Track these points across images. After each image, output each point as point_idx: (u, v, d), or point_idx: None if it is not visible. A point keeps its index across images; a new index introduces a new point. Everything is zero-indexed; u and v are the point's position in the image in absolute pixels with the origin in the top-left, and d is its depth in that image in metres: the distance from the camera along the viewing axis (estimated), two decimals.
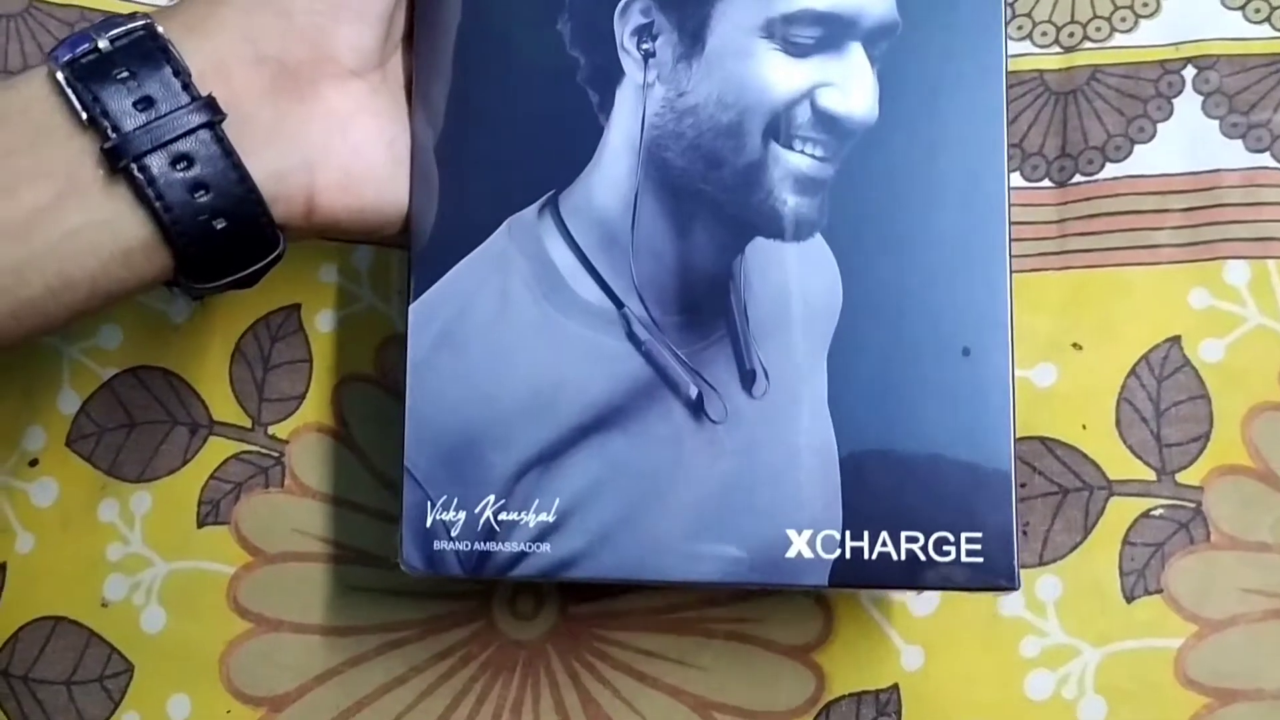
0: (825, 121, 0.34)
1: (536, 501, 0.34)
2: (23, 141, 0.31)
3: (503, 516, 0.34)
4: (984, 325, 0.33)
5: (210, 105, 0.31)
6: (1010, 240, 0.34)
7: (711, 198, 0.34)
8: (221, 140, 0.31)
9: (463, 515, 0.34)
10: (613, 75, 0.35)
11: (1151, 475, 0.40)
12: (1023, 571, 0.40)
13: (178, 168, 0.31)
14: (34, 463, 0.43)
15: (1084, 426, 0.40)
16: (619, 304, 0.34)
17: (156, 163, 0.31)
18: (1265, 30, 0.42)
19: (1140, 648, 0.39)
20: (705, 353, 0.34)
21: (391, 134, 0.35)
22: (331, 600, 0.41)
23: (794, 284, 0.34)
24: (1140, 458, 0.40)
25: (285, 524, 0.42)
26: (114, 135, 0.30)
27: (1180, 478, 0.40)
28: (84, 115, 0.31)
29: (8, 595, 0.42)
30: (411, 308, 0.35)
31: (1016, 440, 0.33)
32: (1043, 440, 0.40)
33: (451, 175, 0.35)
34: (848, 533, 0.33)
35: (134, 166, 0.31)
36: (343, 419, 0.42)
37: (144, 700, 0.42)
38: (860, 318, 0.34)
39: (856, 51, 0.34)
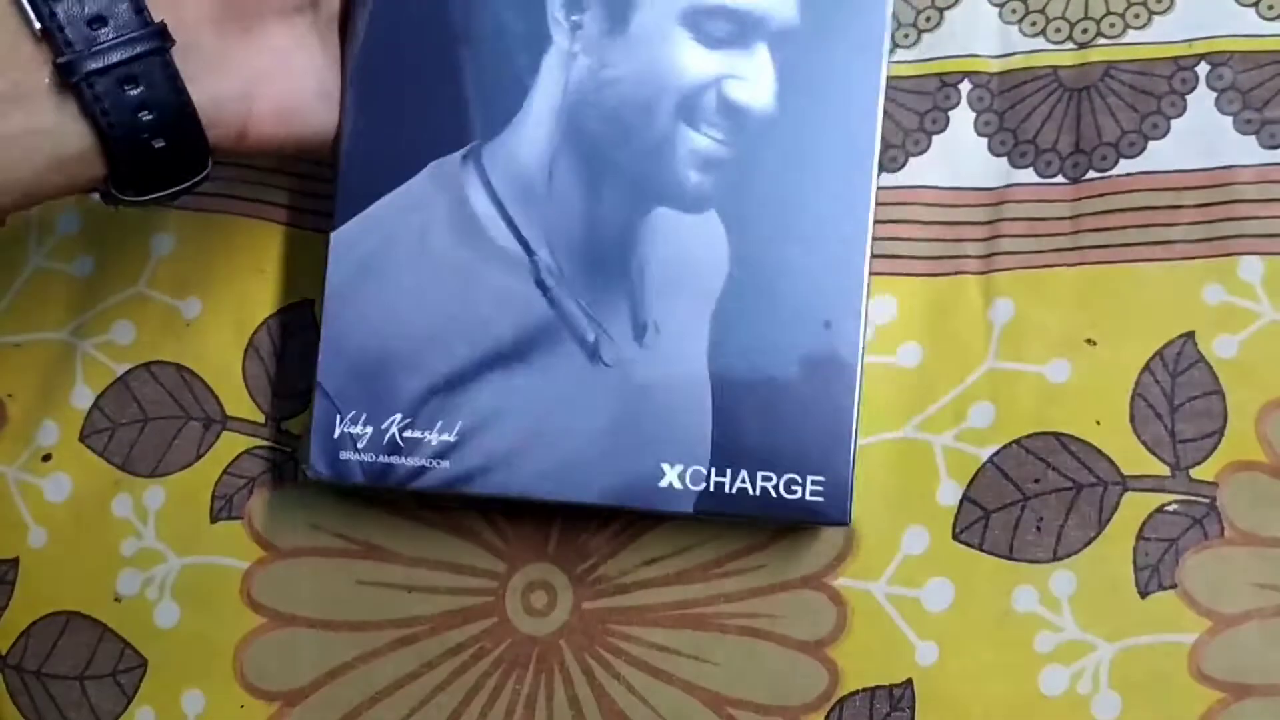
0: (729, 109, 0.37)
1: (440, 422, 0.37)
2: None
3: (407, 434, 0.37)
4: (843, 302, 0.37)
5: (161, 32, 0.32)
6: (872, 229, 0.38)
7: (622, 165, 0.38)
8: (168, 66, 0.32)
9: (369, 430, 0.38)
10: (541, 41, 0.38)
11: (1166, 471, 0.40)
12: (1037, 567, 0.40)
13: (125, 88, 0.32)
14: (47, 458, 0.43)
15: (1098, 422, 0.40)
16: (530, 252, 0.38)
17: (105, 82, 0.32)
18: (1279, 27, 0.42)
19: (1154, 643, 0.39)
20: (604, 302, 0.38)
21: (323, 69, 0.37)
22: (345, 595, 0.41)
23: (687, 251, 0.38)
24: (1154, 453, 0.40)
25: (298, 519, 0.42)
26: (67, 50, 0.31)
27: (1194, 473, 0.40)
28: (38, 25, 0.31)
29: (21, 590, 0.42)
30: (334, 234, 0.38)
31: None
32: (1057, 436, 0.40)
33: (380, 114, 0.38)
34: (713, 469, 0.37)
35: (84, 84, 0.32)
36: None
37: (157, 695, 0.42)
38: (741, 287, 0.37)
39: (761, 50, 0.37)
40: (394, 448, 0.37)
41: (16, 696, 0.42)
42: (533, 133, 0.38)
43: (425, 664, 0.41)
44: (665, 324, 0.37)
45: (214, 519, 0.42)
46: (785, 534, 0.41)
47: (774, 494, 0.37)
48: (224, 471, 0.42)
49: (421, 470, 0.37)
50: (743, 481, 0.37)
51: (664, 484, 0.37)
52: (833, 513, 0.37)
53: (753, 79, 0.37)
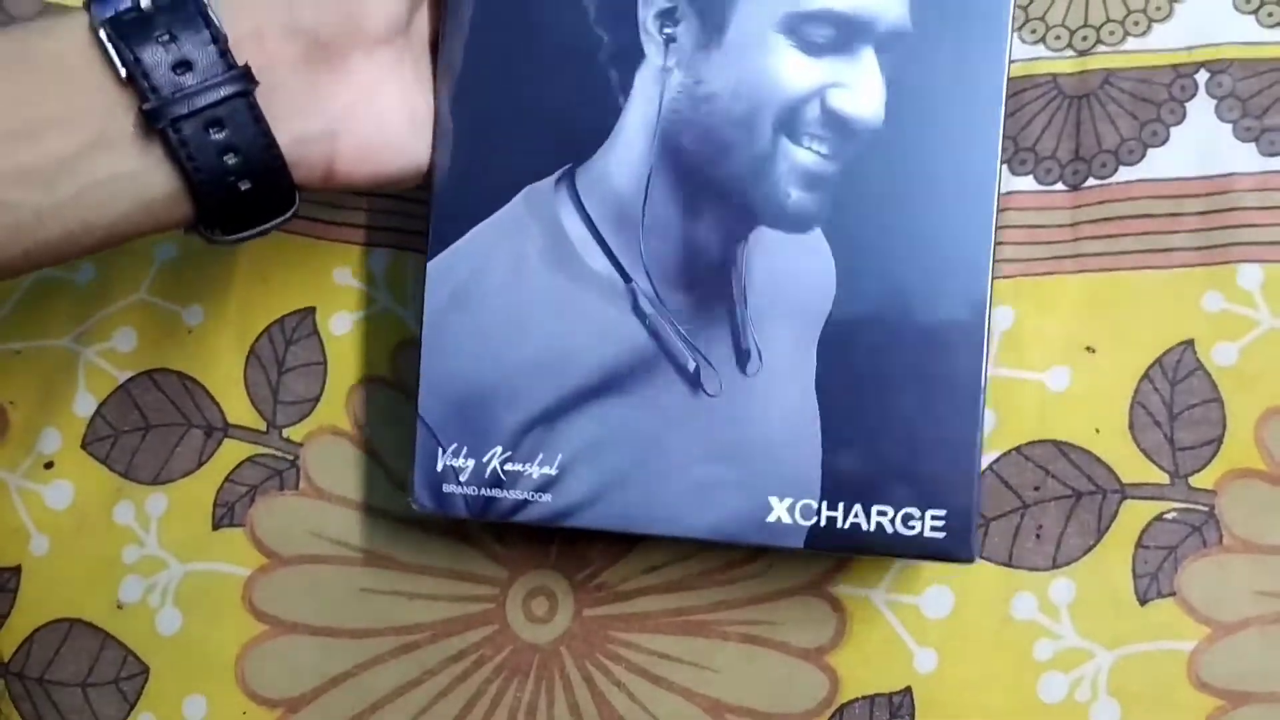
0: (833, 121, 0.35)
1: (540, 455, 0.36)
2: (54, 88, 0.31)
3: (508, 467, 0.36)
4: (965, 326, 0.35)
5: (245, 75, 0.32)
6: (995, 250, 0.35)
7: (721, 184, 0.36)
8: (253, 108, 0.32)
9: (471, 463, 0.37)
10: (633, 56, 0.36)
11: (1165, 478, 0.40)
12: (1036, 574, 0.40)
13: (210, 132, 0.32)
14: (50, 465, 0.43)
15: (1097, 430, 0.40)
16: (627, 278, 0.36)
17: (190, 126, 0.32)
18: (1278, 34, 0.42)
19: (1153, 650, 0.39)
20: (704, 330, 0.36)
21: (414, 101, 0.36)
22: (346, 602, 0.42)
23: (792, 273, 0.36)
24: (1153, 461, 0.40)
25: (300, 526, 0.42)
26: (153, 97, 0.31)
27: (1193, 481, 0.40)
28: (123, 72, 0.31)
29: (23, 597, 0.42)
30: (429, 264, 0.37)
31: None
32: (1056, 444, 0.40)
33: (473, 141, 0.36)
34: (824, 503, 0.35)
35: (170, 129, 0.31)
36: (357, 421, 0.42)
37: (159, 702, 0.42)
38: (851, 310, 0.35)
39: (868, 55, 0.35)
40: (496, 481, 0.36)
41: (19, 703, 0.42)
42: (626, 153, 0.36)
43: (426, 671, 0.41)
44: (770, 351, 0.36)
45: (216, 526, 0.42)
46: None
47: (889, 529, 0.35)
48: (226, 479, 0.42)
49: (524, 504, 0.36)
50: (856, 516, 0.35)
51: (772, 519, 0.36)
52: (957, 550, 0.35)
53: (859, 87, 0.35)
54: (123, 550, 0.42)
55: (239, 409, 0.43)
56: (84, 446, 0.43)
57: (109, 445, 0.43)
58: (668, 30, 0.36)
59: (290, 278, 0.43)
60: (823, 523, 0.35)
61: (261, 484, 0.42)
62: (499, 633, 0.41)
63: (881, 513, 0.35)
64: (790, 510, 0.36)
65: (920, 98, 0.35)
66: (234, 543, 0.42)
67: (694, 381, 0.36)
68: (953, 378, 0.35)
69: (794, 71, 0.35)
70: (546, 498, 0.36)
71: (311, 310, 0.43)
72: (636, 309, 0.36)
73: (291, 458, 0.42)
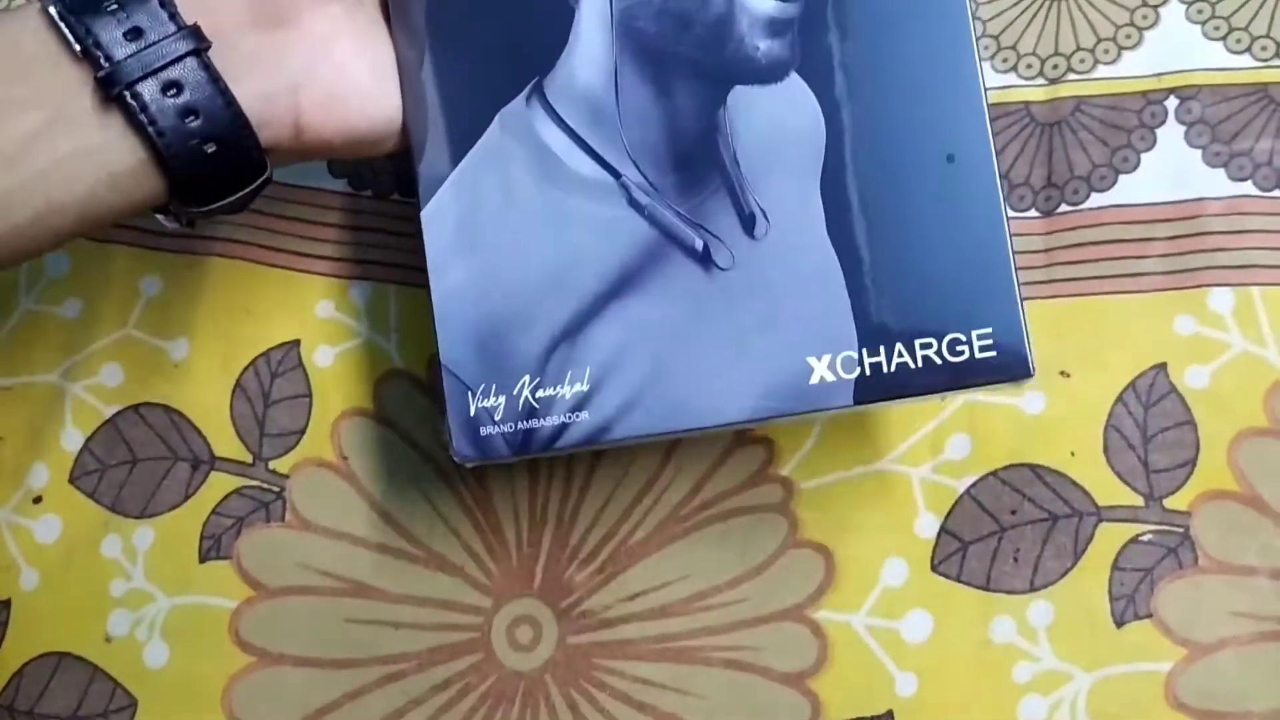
0: None
1: (569, 373, 0.35)
2: (12, 73, 0.32)
3: (540, 393, 0.35)
4: (965, 130, 0.34)
5: (195, 33, 0.32)
6: (978, 47, 0.35)
7: (687, 56, 0.35)
8: (208, 67, 0.32)
9: (503, 399, 0.36)
10: None
11: (1139, 501, 0.40)
12: (1014, 597, 0.40)
13: (168, 94, 0.32)
14: (38, 500, 0.43)
15: (1072, 453, 0.41)
16: (616, 174, 0.36)
17: (148, 90, 0.32)
18: (1246, 60, 0.42)
19: (1131, 672, 0.40)
20: (705, 205, 0.35)
21: (373, 51, 0.36)
22: (332, 633, 0.42)
23: (777, 124, 0.35)
24: (1128, 484, 0.40)
25: (286, 558, 0.42)
26: (106, 64, 0.32)
27: (1168, 503, 0.40)
28: (77, 46, 0.32)
29: (12, 631, 0.43)
30: (423, 215, 0.36)
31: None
32: (1032, 467, 0.41)
33: (438, 82, 0.36)
34: (864, 350, 0.34)
35: (127, 94, 0.32)
36: (342, 453, 0.43)
37: None
38: (845, 145, 0.35)
39: None
40: (530, 411, 0.35)
41: None
42: (588, 51, 0.36)
43: (412, 700, 0.42)
44: (773, 208, 0.35)
45: (203, 559, 0.43)
46: (767, 567, 0.41)
47: (939, 360, 0.34)
48: (212, 511, 0.43)
49: (564, 428, 0.35)
50: (900, 355, 0.34)
51: (815, 380, 0.34)
52: (1011, 365, 0.33)
53: None
54: (110, 584, 0.43)
55: (225, 442, 0.43)
56: (72, 481, 0.43)
57: (96, 479, 0.43)
58: None
59: (274, 311, 0.44)
60: (868, 371, 0.34)
61: (248, 516, 0.43)
62: (484, 661, 0.42)
63: (926, 345, 0.34)
64: (831, 367, 0.34)
65: None
66: (220, 575, 0.42)
67: (705, 260, 0.35)
68: (967, 187, 0.34)
69: None
70: (584, 415, 0.35)
71: (296, 343, 0.44)
72: (632, 201, 0.35)
73: (278, 489, 0.43)
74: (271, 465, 0.43)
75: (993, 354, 0.34)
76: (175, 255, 0.44)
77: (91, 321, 0.44)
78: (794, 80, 0.35)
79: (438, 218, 0.36)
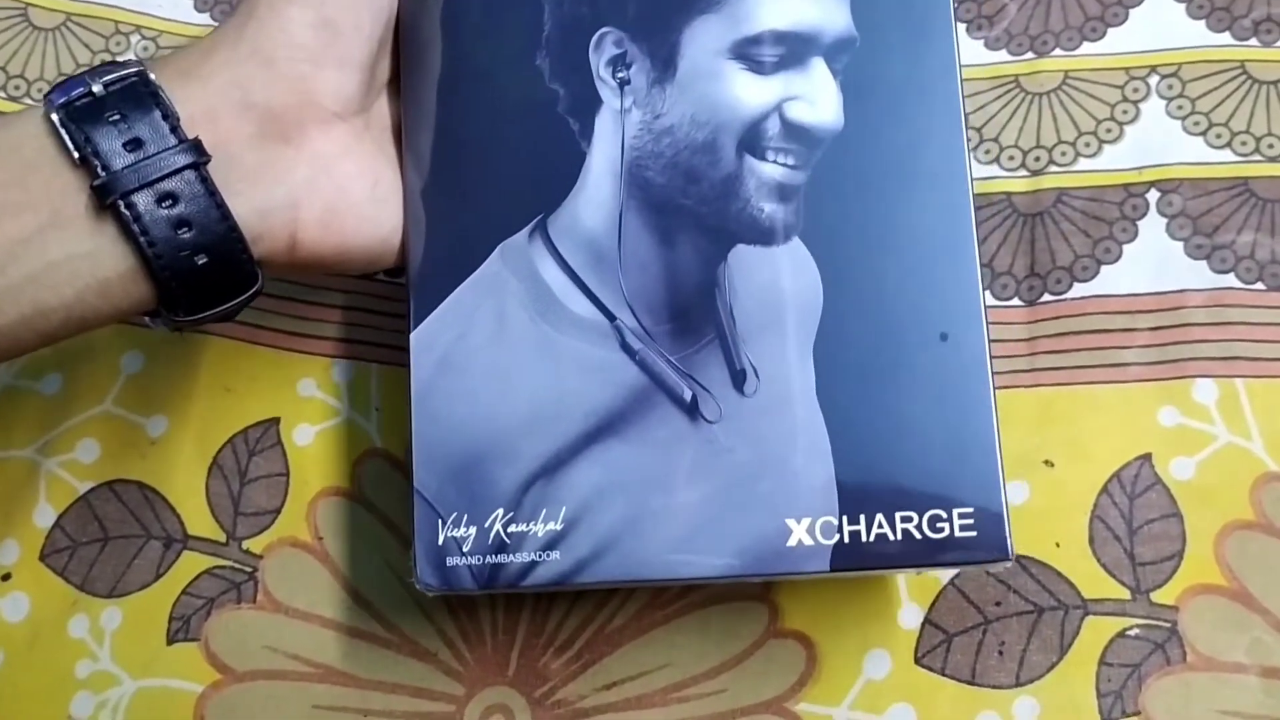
0: (795, 132, 0.36)
1: (544, 511, 0.35)
2: (10, 177, 0.32)
3: (512, 529, 0.35)
4: (959, 310, 0.34)
5: (196, 147, 0.33)
6: (975, 228, 0.35)
7: (692, 211, 0.36)
8: (206, 180, 0.33)
9: (473, 530, 0.35)
10: (591, 104, 0.37)
11: (1126, 594, 0.40)
12: (999, 692, 0.39)
13: (163, 205, 0.32)
14: (7, 577, 0.43)
15: (1057, 544, 0.40)
16: (611, 317, 0.36)
17: (143, 200, 0.32)
18: (1226, 155, 0.43)
19: None
20: (696, 357, 0.35)
21: (375, 174, 0.37)
22: (300, 719, 0.41)
23: (776, 285, 0.35)
24: (1114, 576, 0.40)
25: (255, 640, 0.41)
26: (103, 173, 0.32)
27: (1155, 597, 0.39)
28: (76, 154, 0.32)
29: None
30: (412, 336, 0.36)
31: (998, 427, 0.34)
32: (1017, 558, 0.40)
33: (443, 208, 0.37)
34: (845, 517, 0.34)
35: (121, 203, 0.32)
36: (317, 533, 0.42)
37: None
38: (842, 313, 0.35)
39: (819, 65, 0.36)
40: (500, 546, 0.35)
41: None
42: (595, 195, 0.36)
43: None
44: (765, 367, 0.35)
45: (170, 641, 0.42)
46: (747, 657, 0.40)
47: (918, 535, 0.34)
48: (182, 592, 0.42)
49: (532, 566, 0.35)
50: (880, 526, 0.34)
51: (792, 543, 0.34)
52: (989, 548, 0.33)
53: (814, 97, 0.36)
54: (76, 665, 0.42)
55: (199, 520, 0.43)
56: (42, 558, 0.43)
57: (67, 557, 0.43)
58: (620, 75, 0.37)
59: (255, 388, 0.44)
60: (846, 539, 0.34)
61: (218, 597, 0.42)
62: None
63: (906, 519, 0.34)
64: (810, 531, 0.34)
65: (877, 96, 0.36)
66: (188, 658, 0.41)
67: (692, 411, 0.35)
68: (958, 366, 0.34)
69: (749, 92, 0.36)
70: (555, 555, 0.35)
71: (275, 421, 0.43)
72: (625, 345, 0.35)
73: (250, 569, 0.42)
74: (245, 545, 0.42)
75: (973, 534, 0.34)
76: (157, 332, 0.44)
77: (71, 397, 0.44)
78: (796, 244, 0.35)
79: (427, 341, 0.36)
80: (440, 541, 0.35)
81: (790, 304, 0.35)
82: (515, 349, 0.36)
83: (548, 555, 0.35)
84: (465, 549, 0.35)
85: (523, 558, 0.35)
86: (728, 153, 0.36)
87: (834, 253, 0.35)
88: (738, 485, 0.34)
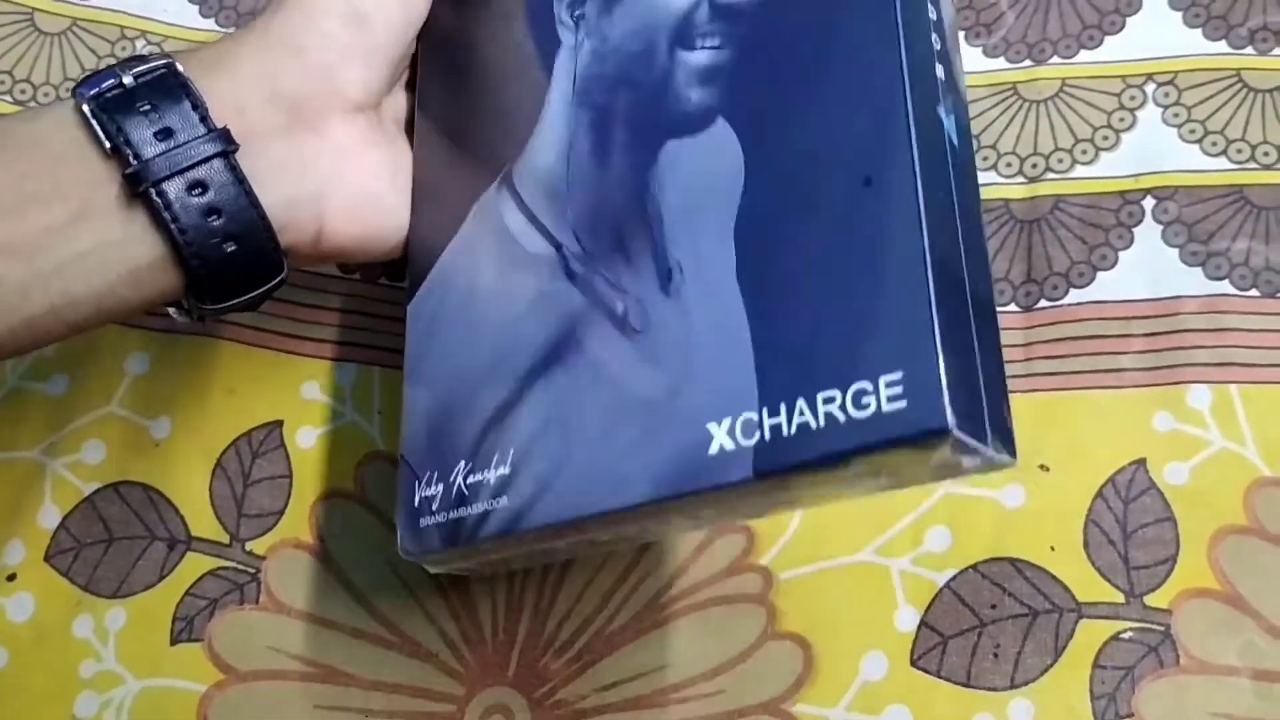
0: (719, 10, 0.34)
1: (495, 456, 0.33)
2: (40, 167, 0.32)
3: (471, 479, 0.34)
4: (883, 151, 0.29)
5: (225, 136, 0.33)
6: (907, 69, 0.30)
7: (630, 120, 0.35)
8: (235, 169, 0.33)
9: (440, 487, 0.34)
10: (552, 48, 0.37)
11: (1120, 598, 0.40)
12: (994, 694, 0.40)
13: (193, 193, 0.33)
14: (12, 577, 0.43)
15: (1052, 548, 0.40)
16: (557, 246, 0.35)
17: (174, 188, 0.32)
18: (1222, 163, 0.43)
19: None
20: (630, 268, 0.33)
21: (393, 162, 0.37)
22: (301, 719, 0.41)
23: (700, 174, 0.33)
24: (1109, 580, 0.40)
25: (258, 641, 0.42)
26: (135, 162, 0.32)
27: (1149, 600, 0.40)
28: (107, 144, 0.32)
29: None
30: (408, 309, 0.37)
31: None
32: (1012, 561, 0.40)
33: (433, 179, 0.37)
34: (765, 410, 0.29)
35: (152, 191, 0.32)
36: (320, 535, 0.43)
37: None
38: (763, 186, 0.31)
39: None
40: (460, 498, 0.33)
41: None
42: (551, 133, 0.36)
43: None
44: (688, 260, 0.32)
45: (174, 641, 0.42)
46: (744, 658, 0.41)
47: (841, 417, 0.28)
48: (186, 593, 0.42)
49: (485, 516, 0.33)
50: (801, 414, 0.28)
51: (714, 450, 0.29)
52: (925, 417, 0.26)
53: None
54: (80, 665, 0.42)
55: (203, 522, 0.43)
56: (47, 559, 0.43)
57: (71, 558, 0.43)
58: (578, 12, 0.36)
59: (259, 391, 0.44)
60: (767, 435, 0.29)
61: (222, 597, 0.42)
62: None
63: (829, 399, 0.28)
64: (731, 432, 0.29)
65: None
66: (191, 658, 0.42)
67: (623, 323, 0.32)
68: (882, 211, 0.29)
69: None
70: (504, 500, 0.33)
71: (279, 424, 0.44)
72: (569, 272, 0.34)
73: (253, 570, 0.43)
74: (248, 546, 0.43)
75: (901, 404, 0.27)
76: (163, 334, 0.45)
77: (76, 398, 0.45)
78: (719, 125, 0.33)
79: (419, 311, 0.36)
80: (416, 503, 0.34)
81: (711, 189, 0.32)
82: (485, 302, 0.35)
83: (497, 502, 0.33)
84: (434, 507, 0.34)
85: (479, 508, 0.33)
86: (661, 53, 0.34)
87: (757, 128, 0.32)
88: (662, 396, 0.31)
